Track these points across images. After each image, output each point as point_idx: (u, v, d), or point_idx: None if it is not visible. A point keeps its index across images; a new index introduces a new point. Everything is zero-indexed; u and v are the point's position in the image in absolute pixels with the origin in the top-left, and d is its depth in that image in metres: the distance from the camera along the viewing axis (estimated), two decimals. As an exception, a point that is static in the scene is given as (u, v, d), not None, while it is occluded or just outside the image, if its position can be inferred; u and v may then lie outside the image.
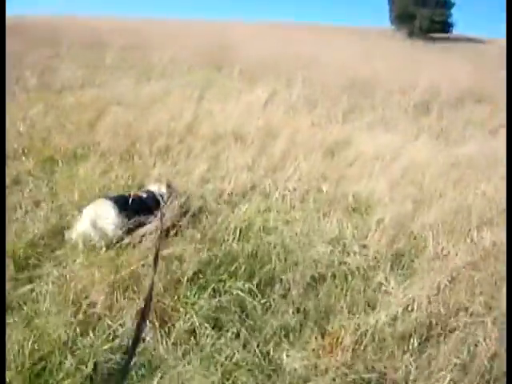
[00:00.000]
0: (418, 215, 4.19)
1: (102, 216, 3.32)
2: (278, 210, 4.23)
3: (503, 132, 7.15)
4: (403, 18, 33.27)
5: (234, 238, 3.51)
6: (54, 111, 6.40)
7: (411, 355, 2.58)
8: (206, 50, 12.59)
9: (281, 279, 3.10)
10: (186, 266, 3.04)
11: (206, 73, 10.55)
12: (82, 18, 17.64)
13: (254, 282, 3.00)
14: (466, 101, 9.96)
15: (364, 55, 14.52)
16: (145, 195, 3.74)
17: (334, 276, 3.23)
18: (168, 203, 3.64)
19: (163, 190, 3.87)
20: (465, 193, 4.77)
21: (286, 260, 3.34)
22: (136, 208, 3.45)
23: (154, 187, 3.93)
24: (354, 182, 4.95)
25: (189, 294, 2.86)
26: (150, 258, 2.94)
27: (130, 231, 3.28)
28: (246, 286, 2.95)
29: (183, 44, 13.19)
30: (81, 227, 3.31)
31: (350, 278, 3.23)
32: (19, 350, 2.30)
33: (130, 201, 3.51)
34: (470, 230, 4.01)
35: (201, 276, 3.04)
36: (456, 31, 34.78)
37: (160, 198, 3.74)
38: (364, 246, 3.70)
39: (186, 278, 2.95)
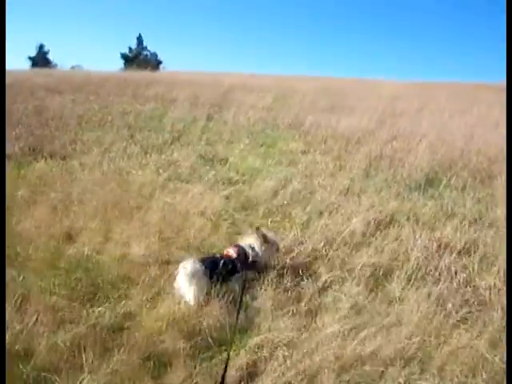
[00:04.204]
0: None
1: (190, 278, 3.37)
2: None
3: None
4: None
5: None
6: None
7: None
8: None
9: None
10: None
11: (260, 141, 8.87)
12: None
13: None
14: None
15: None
16: (235, 254, 3.66)
17: None
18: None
19: (255, 244, 3.77)
20: None
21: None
22: (225, 269, 3.51)
23: (246, 241, 3.82)
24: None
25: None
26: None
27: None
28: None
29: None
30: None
31: None
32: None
33: (222, 264, 3.53)
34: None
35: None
36: None
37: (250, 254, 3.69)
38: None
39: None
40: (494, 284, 3.76)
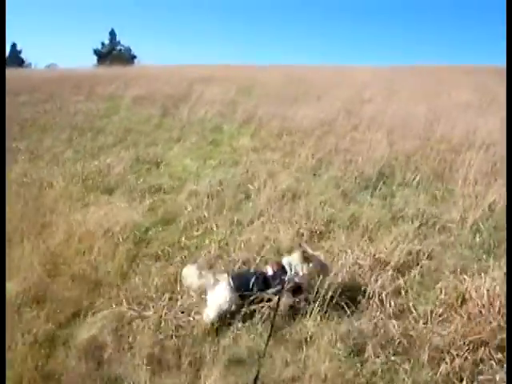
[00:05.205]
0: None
1: (216, 293, 3.03)
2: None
3: None
4: None
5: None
6: None
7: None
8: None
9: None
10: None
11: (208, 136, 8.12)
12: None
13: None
14: None
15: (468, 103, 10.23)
16: (270, 272, 3.15)
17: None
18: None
19: (296, 262, 3.15)
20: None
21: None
22: (257, 287, 3.05)
23: (287, 259, 3.22)
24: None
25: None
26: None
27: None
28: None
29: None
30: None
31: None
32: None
33: (253, 281, 3.07)
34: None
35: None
36: None
37: (290, 274, 3.10)
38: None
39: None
40: (431, 312, 3.04)
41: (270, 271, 3.16)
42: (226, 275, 3.13)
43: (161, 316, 3.01)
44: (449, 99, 10.52)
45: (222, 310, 2.98)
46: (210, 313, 2.97)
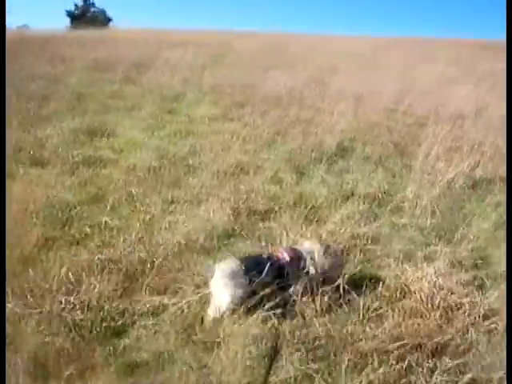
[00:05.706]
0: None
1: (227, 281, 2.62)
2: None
3: None
4: None
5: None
6: None
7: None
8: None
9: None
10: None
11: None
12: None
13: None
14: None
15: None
16: (287, 258, 2.77)
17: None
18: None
19: (316, 253, 2.83)
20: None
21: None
22: (271, 274, 2.65)
23: (307, 247, 2.89)
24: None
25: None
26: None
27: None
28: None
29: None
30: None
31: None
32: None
33: (267, 268, 2.65)
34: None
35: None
36: None
37: (309, 264, 2.79)
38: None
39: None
40: (364, 307, 2.67)
41: (286, 257, 2.78)
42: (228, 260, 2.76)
43: (56, 313, 2.59)
44: (426, 72, 10.01)
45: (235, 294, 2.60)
46: (216, 307, 2.61)
